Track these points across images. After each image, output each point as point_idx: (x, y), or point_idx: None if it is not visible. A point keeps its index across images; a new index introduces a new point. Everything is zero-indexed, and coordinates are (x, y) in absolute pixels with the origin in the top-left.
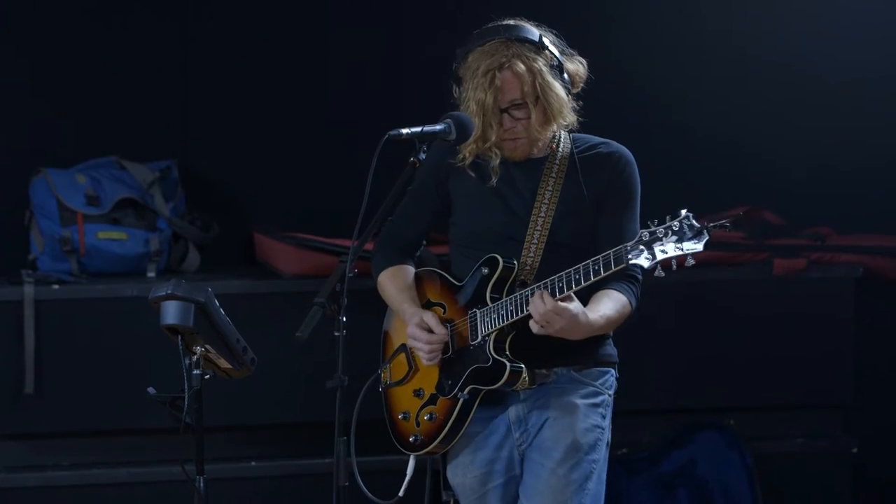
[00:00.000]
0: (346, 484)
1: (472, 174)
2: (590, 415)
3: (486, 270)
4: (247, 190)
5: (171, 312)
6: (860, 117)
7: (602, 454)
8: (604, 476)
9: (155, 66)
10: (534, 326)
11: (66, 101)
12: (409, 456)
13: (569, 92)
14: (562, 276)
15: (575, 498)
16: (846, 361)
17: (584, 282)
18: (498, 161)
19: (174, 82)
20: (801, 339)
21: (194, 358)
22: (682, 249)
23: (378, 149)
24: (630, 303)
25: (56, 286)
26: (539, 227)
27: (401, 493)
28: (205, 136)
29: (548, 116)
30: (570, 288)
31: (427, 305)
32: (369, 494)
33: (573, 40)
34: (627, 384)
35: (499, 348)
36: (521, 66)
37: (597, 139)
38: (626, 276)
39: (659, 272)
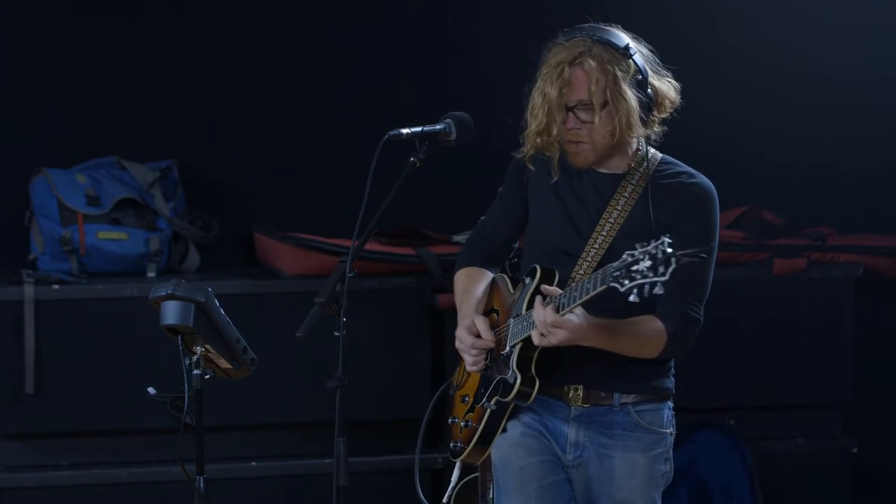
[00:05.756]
0: (346, 484)
1: (549, 182)
2: (654, 467)
3: (527, 280)
4: (247, 190)
5: (171, 312)
6: (860, 117)
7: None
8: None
9: (155, 66)
10: (535, 337)
11: (66, 101)
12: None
13: (648, 109)
14: (566, 292)
15: None
16: (846, 361)
17: (581, 298)
18: (557, 157)
19: (174, 82)
20: (801, 339)
21: (194, 358)
22: (650, 276)
23: (378, 149)
24: (665, 329)
25: (56, 286)
26: (597, 246)
27: (445, 500)
28: (205, 136)
29: (614, 126)
30: (571, 303)
31: (489, 312)
32: (422, 496)
33: None
34: None
35: (523, 361)
36: (594, 65)
37: (684, 168)
38: (678, 310)
39: (634, 297)
